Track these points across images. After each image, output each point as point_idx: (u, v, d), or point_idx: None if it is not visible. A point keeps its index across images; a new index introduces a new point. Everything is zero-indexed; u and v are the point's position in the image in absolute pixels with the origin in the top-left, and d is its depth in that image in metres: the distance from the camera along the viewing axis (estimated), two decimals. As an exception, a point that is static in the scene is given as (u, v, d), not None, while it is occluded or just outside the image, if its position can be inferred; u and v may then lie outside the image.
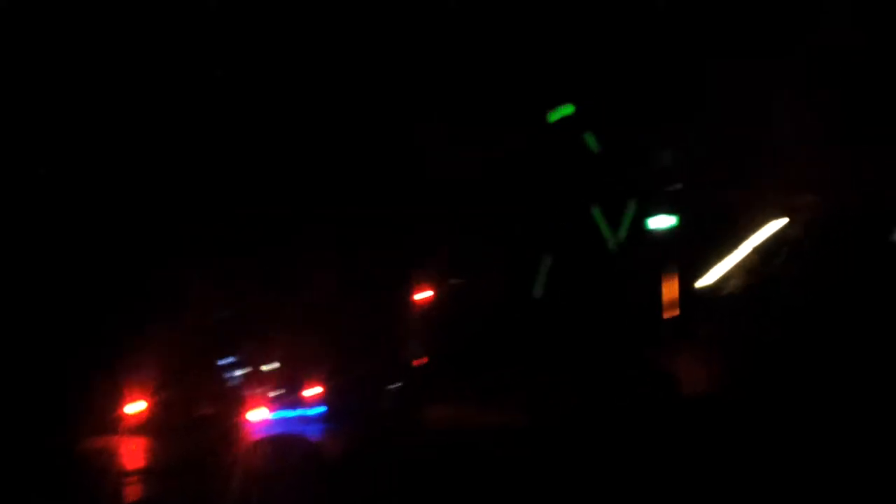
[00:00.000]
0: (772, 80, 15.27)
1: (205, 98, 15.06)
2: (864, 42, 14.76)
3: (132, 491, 12.23)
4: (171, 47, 14.65)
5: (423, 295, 16.40)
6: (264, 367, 15.12)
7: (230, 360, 15.22)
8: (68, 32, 14.40)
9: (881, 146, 14.58)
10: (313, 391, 15.30)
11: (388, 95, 15.58)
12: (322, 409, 15.38)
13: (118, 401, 14.29)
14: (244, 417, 14.64)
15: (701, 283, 16.64)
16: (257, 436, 13.85)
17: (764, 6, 15.25)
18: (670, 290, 16.58)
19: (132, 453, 13.60)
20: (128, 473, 12.66)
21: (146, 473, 12.73)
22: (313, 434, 14.52)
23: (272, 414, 14.95)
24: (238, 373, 15.16)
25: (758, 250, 16.37)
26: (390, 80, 15.49)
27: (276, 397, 15.16)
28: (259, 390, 15.02)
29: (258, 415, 14.73)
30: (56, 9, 14.36)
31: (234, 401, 14.84)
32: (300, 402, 15.32)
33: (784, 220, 16.18)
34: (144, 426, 14.26)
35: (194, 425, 14.28)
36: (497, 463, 12.25)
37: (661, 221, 16.70)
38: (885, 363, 13.28)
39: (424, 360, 16.17)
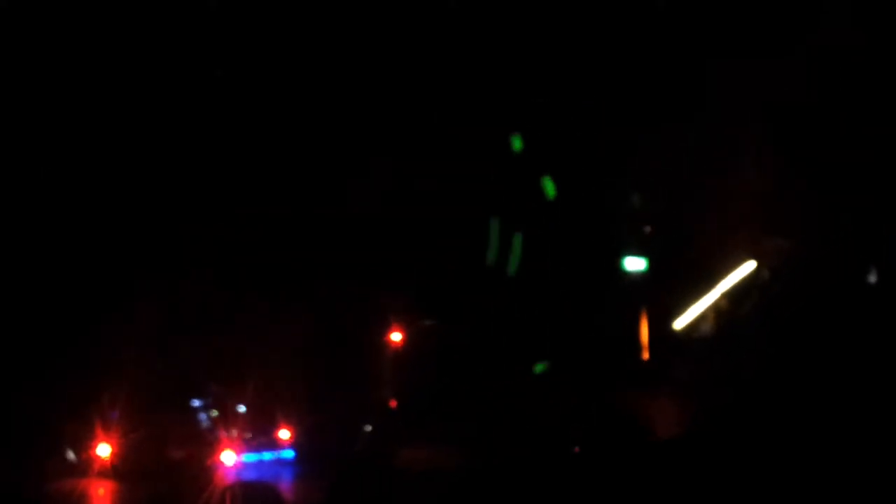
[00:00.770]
0: (741, 124, 15.50)
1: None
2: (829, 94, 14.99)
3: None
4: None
5: (394, 337, 16.43)
6: (235, 410, 15.02)
7: (200, 402, 15.13)
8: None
9: (851, 190, 14.78)
10: (284, 434, 15.21)
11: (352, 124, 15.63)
12: (292, 452, 15.30)
13: (88, 443, 14.14)
14: (215, 460, 14.51)
15: (672, 325, 16.79)
16: (227, 480, 13.71)
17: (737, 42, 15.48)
18: (642, 332, 16.70)
19: (101, 497, 13.44)
20: (97, 518, 12.53)
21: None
22: (283, 478, 14.42)
23: (243, 456, 14.83)
24: (209, 415, 15.06)
25: (728, 294, 16.53)
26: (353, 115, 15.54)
27: (247, 440, 15.05)
28: (229, 433, 14.91)
29: (229, 457, 14.60)
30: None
31: (205, 443, 14.73)
32: (271, 445, 15.22)
33: (753, 264, 16.36)
34: (114, 469, 14.11)
35: (164, 468, 14.14)
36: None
37: (631, 264, 16.85)
38: (855, 402, 13.38)
39: (394, 402, 16.16)
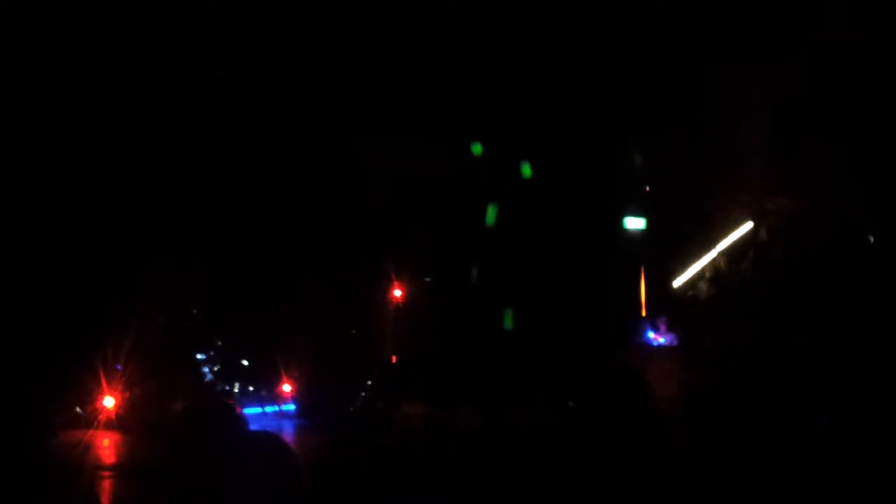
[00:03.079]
0: (743, 84, 15.51)
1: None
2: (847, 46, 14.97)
3: (107, 485, 12.22)
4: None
5: (395, 294, 16.58)
6: (238, 364, 15.19)
7: (204, 356, 15.29)
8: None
9: (854, 150, 14.78)
10: (286, 387, 15.38)
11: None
12: (293, 405, 15.48)
13: (93, 396, 14.31)
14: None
15: (671, 284, 16.90)
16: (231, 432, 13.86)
17: (737, 14, 15.48)
18: (639, 292, 16.83)
19: (107, 448, 13.59)
20: (103, 468, 12.64)
21: (121, 469, 12.71)
22: (285, 430, 14.58)
23: (245, 410, 15.00)
24: (212, 368, 15.23)
25: (726, 253, 16.62)
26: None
27: (250, 393, 15.23)
28: (232, 386, 15.09)
29: (232, 411, 14.77)
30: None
31: (209, 396, 14.89)
32: (273, 399, 15.40)
33: (751, 224, 16.44)
34: (119, 421, 14.28)
35: (168, 421, 14.29)
36: (467, 463, 12.35)
37: (631, 223, 16.94)
38: (856, 368, 13.43)
39: (394, 359, 16.33)
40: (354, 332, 16.00)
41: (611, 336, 15.89)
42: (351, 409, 15.34)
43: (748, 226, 16.45)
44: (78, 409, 14.25)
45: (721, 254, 16.65)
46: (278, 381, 15.32)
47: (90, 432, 13.91)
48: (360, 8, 15.23)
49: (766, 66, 15.25)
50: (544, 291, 16.30)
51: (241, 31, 15.01)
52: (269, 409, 15.33)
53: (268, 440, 13.01)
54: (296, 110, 15.61)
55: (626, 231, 16.82)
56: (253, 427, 14.42)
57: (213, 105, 15.07)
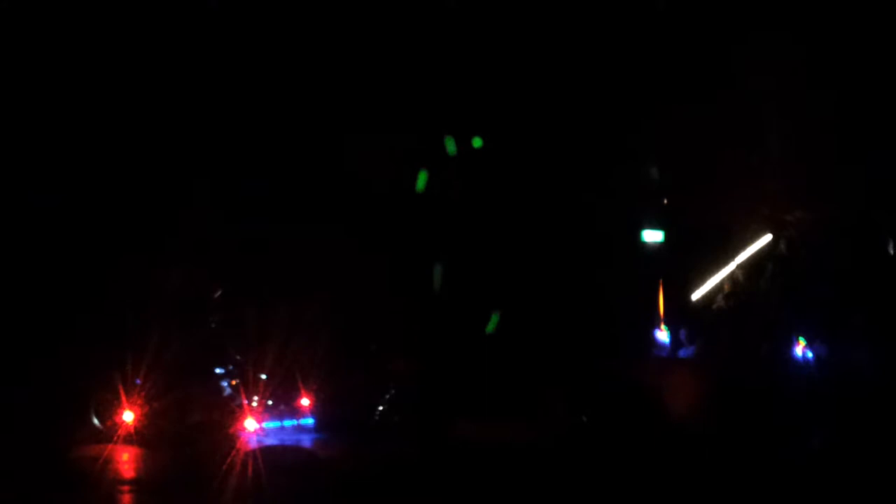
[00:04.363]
0: (759, 95, 15.49)
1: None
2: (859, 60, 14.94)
3: (126, 500, 12.23)
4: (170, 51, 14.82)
5: (415, 305, 16.55)
6: (257, 378, 15.18)
7: (223, 370, 15.30)
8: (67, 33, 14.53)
9: (872, 160, 14.73)
10: (304, 401, 15.38)
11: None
12: (312, 419, 15.47)
13: (113, 410, 14.34)
14: (237, 426, 14.70)
15: (689, 297, 16.84)
16: (250, 446, 13.89)
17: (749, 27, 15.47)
18: (657, 305, 16.77)
19: (126, 462, 13.61)
20: (122, 482, 12.66)
21: (140, 483, 12.72)
22: (303, 444, 14.58)
23: (264, 423, 15.02)
24: (231, 383, 15.23)
25: (745, 266, 16.56)
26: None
27: (268, 407, 15.22)
28: (251, 400, 15.08)
29: (251, 424, 14.79)
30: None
31: (227, 410, 14.91)
32: (291, 412, 15.39)
33: (770, 236, 16.39)
34: (138, 435, 14.30)
35: (187, 434, 14.31)
36: (489, 474, 12.35)
37: (648, 236, 16.90)
38: (880, 379, 13.36)
39: (414, 371, 16.29)
40: (373, 346, 15.99)
41: (627, 349, 15.84)
42: (369, 422, 15.32)
43: (767, 238, 16.40)
44: (97, 423, 14.30)
45: (740, 267, 16.60)
46: (297, 395, 15.32)
47: (110, 446, 13.96)
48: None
49: (783, 77, 15.24)
50: (559, 304, 16.27)
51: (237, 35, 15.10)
52: (287, 423, 15.32)
53: (291, 451, 13.11)
54: (312, 124, 15.66)
55: (644, 244, 16.78)
56: (272, 441, 14.52)
57: (221, 112, 15.15)
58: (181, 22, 14.90)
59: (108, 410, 14.32)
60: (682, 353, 16.22)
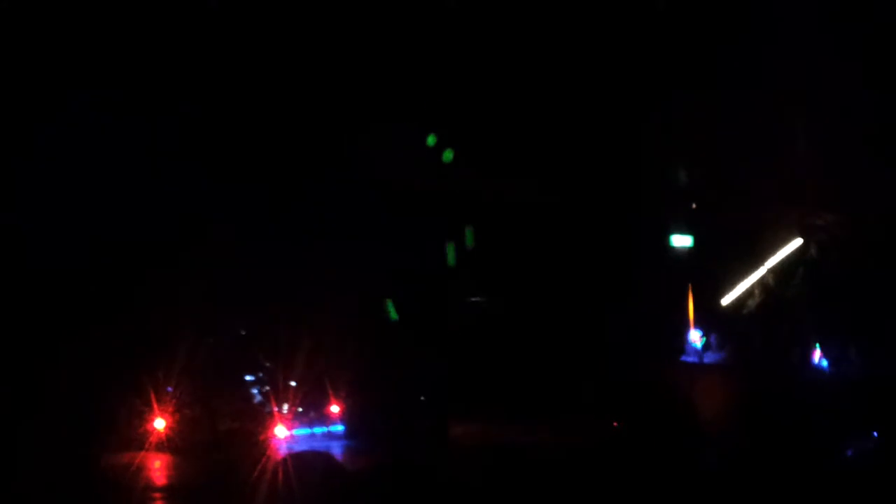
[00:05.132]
0: (789, 97, 15.39)
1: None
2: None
3: (158, 507, 12.33)
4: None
5: (444, 312, 16.57)
6: (287, 385, 15.22)
7: (253, 377, 15.37)
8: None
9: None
10: (334, 408, 15.41)
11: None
12: (342, 426, 15.50)
13: (145, 417, 14.43)
14: (268, 433, 14.75)
15: (719, 301, 16.76)
16: (281, 452, 13.92)
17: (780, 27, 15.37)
18: (687, 309, 16.69)
19: (158, 469, 13.69)
20: (154, 489, 12.74)
21: (171, 490, 12.80)
22: (334, 451, 14.60)
23: (294, 430, 15.06)
24: (261, 390, 15.29)
25: (775, 270, 16.45)
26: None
27: (298, 414, 15.26)
28: (281, 407, 15.13)
29: (281, 431, 14.84)
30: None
31: (258, 417, 14.97)
32: (321, 419, 15.43)
33: (800, 240, 16.28)
34: (170, 442, 14.39)
35: (218, 441, 14.39)
36: (517, 479, 12.31)
37: (677, 241, 16.84)
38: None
39: (445, 378, 16.29)
40: (402, 352, 16.00)
41: (656, 355, 15.79)
42: (400, 428, 15.32)
43: (797, 242, 16.30)
44: (129, 431, 14.38)
45: (770, 271, 16.50)
46: (326, 402, 15.35)
47: (141, 454, 14.05)
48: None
49: (814, 78, 15.14)
50: (588, 309, 16.25)
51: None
52: (317, 429, 15.35)
53: (320, 459, 13.12)
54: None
55: (673, 248, 16.72)
56: (302, 448, 14.54)
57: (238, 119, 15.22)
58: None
59: (140, 418, 14.42)
60: (707, 357, 16.16)
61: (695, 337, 16.38)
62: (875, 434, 12.76)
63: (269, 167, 15.46)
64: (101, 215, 14.60)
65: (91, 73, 14.75)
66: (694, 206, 16.86)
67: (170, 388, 14.53)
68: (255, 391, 15.30)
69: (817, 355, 15.50)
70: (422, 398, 15.59)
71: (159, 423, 14.46)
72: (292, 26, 15.33)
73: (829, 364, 15.31)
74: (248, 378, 15.33)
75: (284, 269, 15.35)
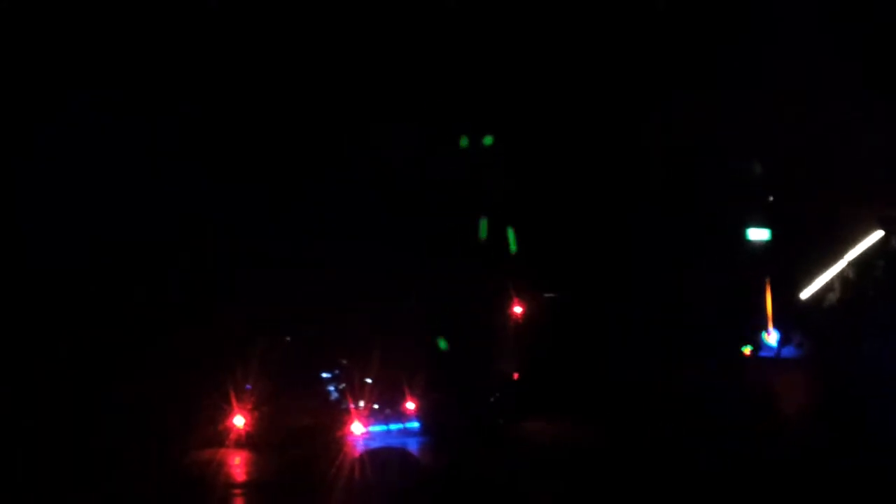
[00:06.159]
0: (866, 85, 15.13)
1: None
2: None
3: (238, 503, 12.50)
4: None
5: (516, 310, 16.57)
6: (362, 382, 15.34)
7: (330, 375, 15.52)
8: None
9: None
10: (410, 405, 15.49)
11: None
12: (417, 423, 15.57)
13: (224, 415, 14.65)
14: (345, 430, 14.88)
15: (798, 295, 16.55)
16: (358, 449, 14.05)
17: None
18: (766, 305, 16.51)
19: (237, 466, 13.88)
20: (234, 485, 12.93)
21: (251, 486, 12.98)
22: (409, 447, 14.68)
23: (371, 427, 15.18)
24: (338, 387, 15.43)
25: (855, 263, 16.21)
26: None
27: (374, 411, 15.38)
28: (358, 404, 15.26)
29: (358, 427, 14.96)
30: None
31: (334, 414, 15.11)
32: (397, 416, 15.52)
33: (881, 232, 16.03)
34: (249, 439, 14.59)
35: (296, 438, 14.55)
36: (592, 479, 12.28)
37: (755, 234, 16.65)
38: None
39: (516, 375, 16.31)
40: (475, 349, 16.04)
41: (732, 350, 15.64)
42: (475, 425, 15.37)
43: (877, 235, 16.04)
44: (210, 428, 14.60)
45: (850, 264, 16.26)
46: (402, 399, 15.44)
47: (221, 450, 14.27)
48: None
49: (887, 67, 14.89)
50: (662, 304, 16.13)
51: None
52: (393, 426, 15.45)
53: (396, 455, 13.23)
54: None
55: (750, 242, 16.54)
56: (378, 444, 14.66)
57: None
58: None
59: (220, 415, 14.65)
60: (784, 352, 15.97)
61: (772, 332, 16.19)
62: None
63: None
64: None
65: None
66: (771, 198, 16.67)
67: (248, 387, 14.72)
68: (331, 388, 15.44)
69: None
70: (492, 398, 15.62)
71: (238, 421, 14.67)
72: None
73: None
74: (324, 375, 15.48)
75: (365, 270, 15.48)
